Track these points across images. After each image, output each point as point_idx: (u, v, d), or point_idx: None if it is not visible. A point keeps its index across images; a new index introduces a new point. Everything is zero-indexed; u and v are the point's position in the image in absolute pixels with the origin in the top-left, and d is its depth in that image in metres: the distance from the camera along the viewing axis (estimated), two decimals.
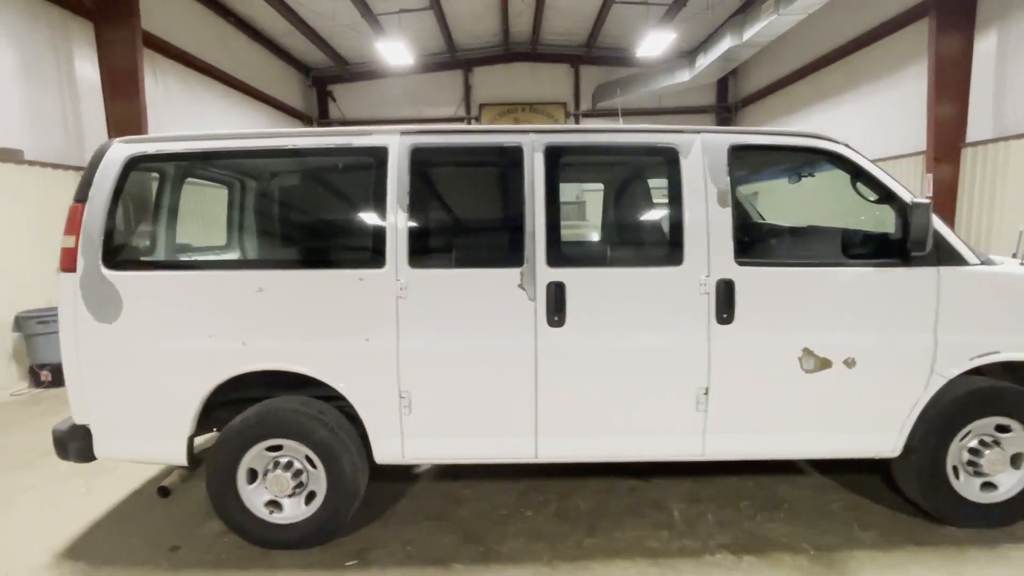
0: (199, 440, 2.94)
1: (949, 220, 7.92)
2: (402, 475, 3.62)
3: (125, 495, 3.45)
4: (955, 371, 2.78)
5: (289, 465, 2.84)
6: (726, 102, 15.67)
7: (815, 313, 2.75)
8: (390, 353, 2.74)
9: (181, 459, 2.83)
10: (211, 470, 2.82)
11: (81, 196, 2.77)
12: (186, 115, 9.72)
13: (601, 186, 3.03)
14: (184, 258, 2.88)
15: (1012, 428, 2.84)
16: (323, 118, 15.63)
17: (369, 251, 2.73)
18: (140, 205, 2.80)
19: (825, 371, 2.76)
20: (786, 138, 2.85)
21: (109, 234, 2.75)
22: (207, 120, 10.32)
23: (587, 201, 8.03)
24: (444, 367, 2.76)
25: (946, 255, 2.75)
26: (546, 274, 2.71)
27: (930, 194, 7.94)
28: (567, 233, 2.88)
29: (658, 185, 2.84)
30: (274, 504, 2.87)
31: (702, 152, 2.78)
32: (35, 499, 3.46)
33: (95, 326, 2.74)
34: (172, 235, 3.02)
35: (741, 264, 2.73)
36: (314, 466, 2.84)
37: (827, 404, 2.80)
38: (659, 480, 3.51)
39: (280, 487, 2.83)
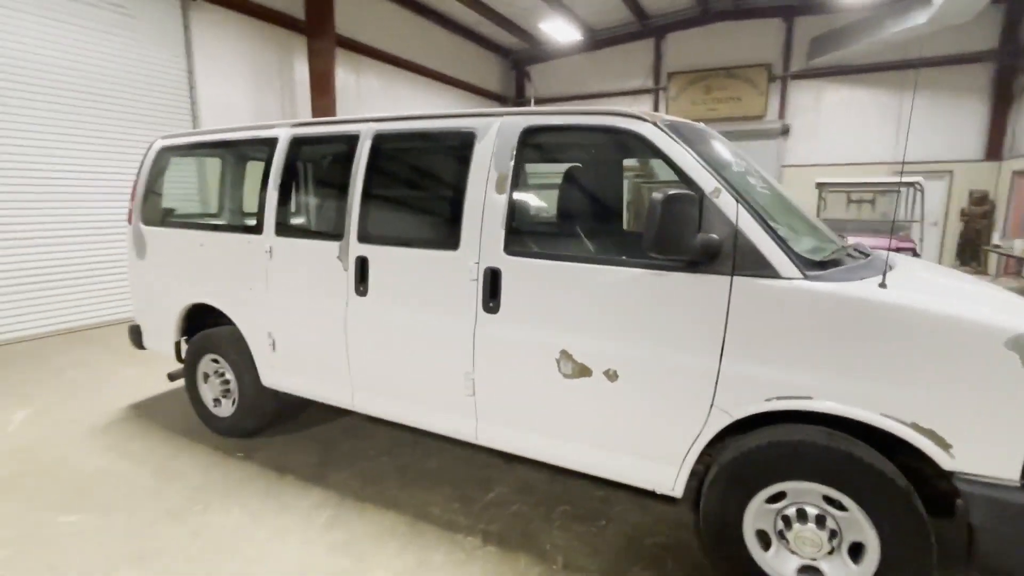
0: None
1: None
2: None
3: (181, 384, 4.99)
4: (743, 410, 2.17)
5: (222, 374, 3.89)
6: (1016, 43, 11.39)
7: (576, 313, 2.47)
8: (262, 301, 3.49)
9: (172, 356, 4.14)
10: (184, 370, 4.06)
11: (138, 173, 4.22)
12: (382, 105, 11.89)
13: (419, 169, 3.16)
14: (171, 219, 4.14)
15: (847, 506, 2.09)
16: (519, 97, 16.83)
17: (255, 221, 3.49)
18: (163, 180, 4.13)
19: (584, 379, 2.47)
20: (583, 117, 2.52)
21: (143, 200, 4.14)
22: (400, 107, 12.39)
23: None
24: (292, 316, 3.39)
25: (747, 262, 2.13)
26: (356, 248, 3.07)
27: None
28: (391, 214, 3.15)
29: (457, 169, 2.84)
30: (216, 401, 3.97)
31: (496, 136, 2.71)
32: (127, 380, 5.22)
33: (136, 261, 4.19)
34: (177, 202, 4.32)
35: (510, 254, 2.62)
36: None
37: (589, 416, 2.50)
38: (520, 466, 3.51)
39: (213, 388, 3.91)
